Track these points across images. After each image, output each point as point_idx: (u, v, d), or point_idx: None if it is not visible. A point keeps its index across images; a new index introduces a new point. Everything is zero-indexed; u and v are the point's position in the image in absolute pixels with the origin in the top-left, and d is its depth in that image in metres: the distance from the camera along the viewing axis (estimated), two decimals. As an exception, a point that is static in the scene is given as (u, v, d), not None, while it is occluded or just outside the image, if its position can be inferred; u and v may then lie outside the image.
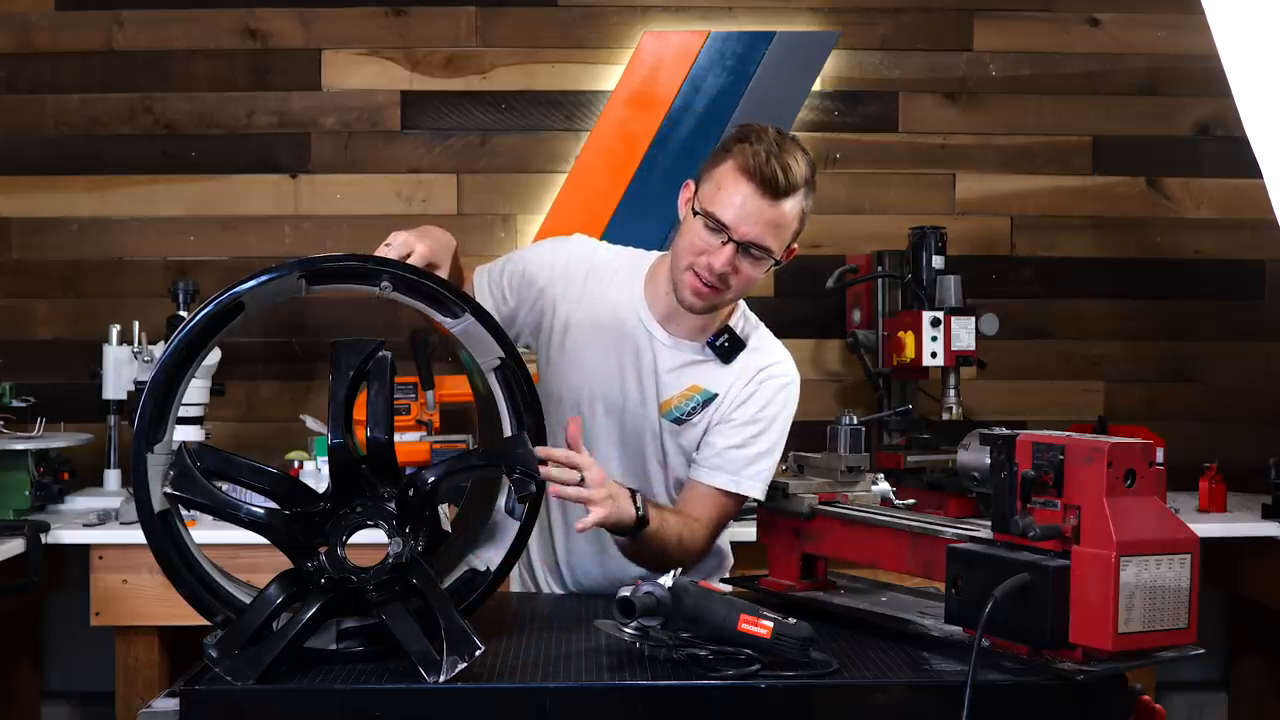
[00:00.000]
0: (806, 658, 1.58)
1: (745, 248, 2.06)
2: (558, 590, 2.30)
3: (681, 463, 2.22)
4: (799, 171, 2.05)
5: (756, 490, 2.15)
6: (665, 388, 2.20)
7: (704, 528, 2.16)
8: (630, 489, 2.01)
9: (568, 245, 2.31)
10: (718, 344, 2.20)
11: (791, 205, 2.06)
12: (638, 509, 1.98)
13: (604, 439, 2.21)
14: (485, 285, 2.27)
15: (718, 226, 2.05)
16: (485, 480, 1.84)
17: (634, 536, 2.02)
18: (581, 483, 1.91)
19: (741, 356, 2.21)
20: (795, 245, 2.15)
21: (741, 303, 2.27)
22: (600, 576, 2.26)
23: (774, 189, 2.03)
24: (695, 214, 2.09)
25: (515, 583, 2.34)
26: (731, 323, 2.23)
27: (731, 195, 2.04)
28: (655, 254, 2.28)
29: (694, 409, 2.20)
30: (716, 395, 2.20)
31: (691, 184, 2.15)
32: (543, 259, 2.28)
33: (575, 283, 2.24)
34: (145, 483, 1.61)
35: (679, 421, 2.20)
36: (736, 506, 2.20)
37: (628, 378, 2.21)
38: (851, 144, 3.93)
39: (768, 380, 2.21)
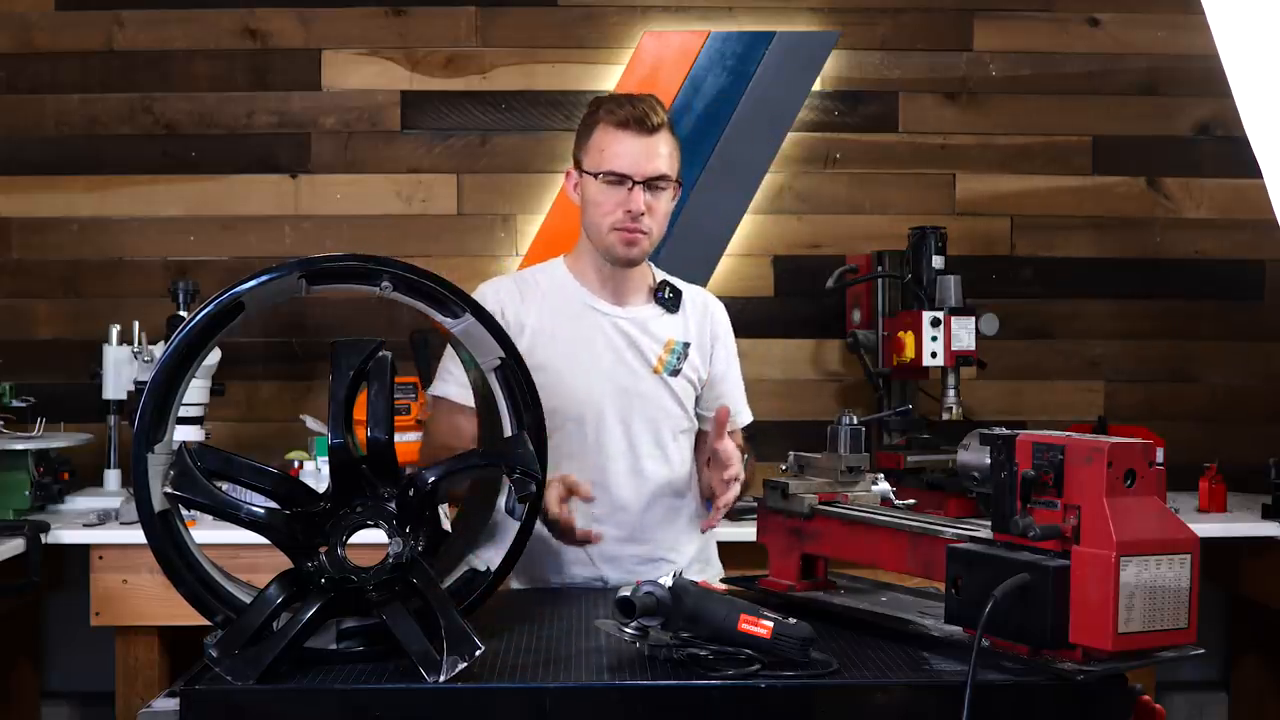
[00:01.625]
0: (806, 658, 1.58)
1: (648, 184, 2.29)
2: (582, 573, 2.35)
3: (681, 412, 2.41)
4: (660, 110, 2.32)
5: (749, 415, 2.55)
6: (648, 350, 2.38)
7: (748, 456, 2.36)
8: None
9: (485, 296, 2.37)
10: (664, 296, 2.43)
11: (664, 137, 2.31)
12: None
13: (611, 419, 2.33)
14: (455, 388, 2.35)
15: (618, 179, 2.29)
16: (485, 480, 1.84)
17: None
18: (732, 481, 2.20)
19: (685, 300, 2.45)
20: (679, 180, 2.38)
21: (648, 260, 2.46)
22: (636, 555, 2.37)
23: (645, 126, 2.29)
24: (594, 178, 2.31)
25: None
26: (660, 276, 2.46)
27: (616, 147, 2.29)
28: (559, 257, 2.47)
29: (678, 358, 2.40)
30: (689, 340, 2.42)
31: (572, 171, 2.39)
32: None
33: (518, 313, 2.37)
34: (145, 483, 1.61)
35: (675, 373, 2.40)
36: None
37: (610, 360, 2.36)
38: (851, 144, 3.93)
39: (719, 319, 2.49)
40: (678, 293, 2.44)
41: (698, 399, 2.44)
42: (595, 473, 2.30)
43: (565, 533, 2.16)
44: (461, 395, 2.28)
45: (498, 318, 2.29)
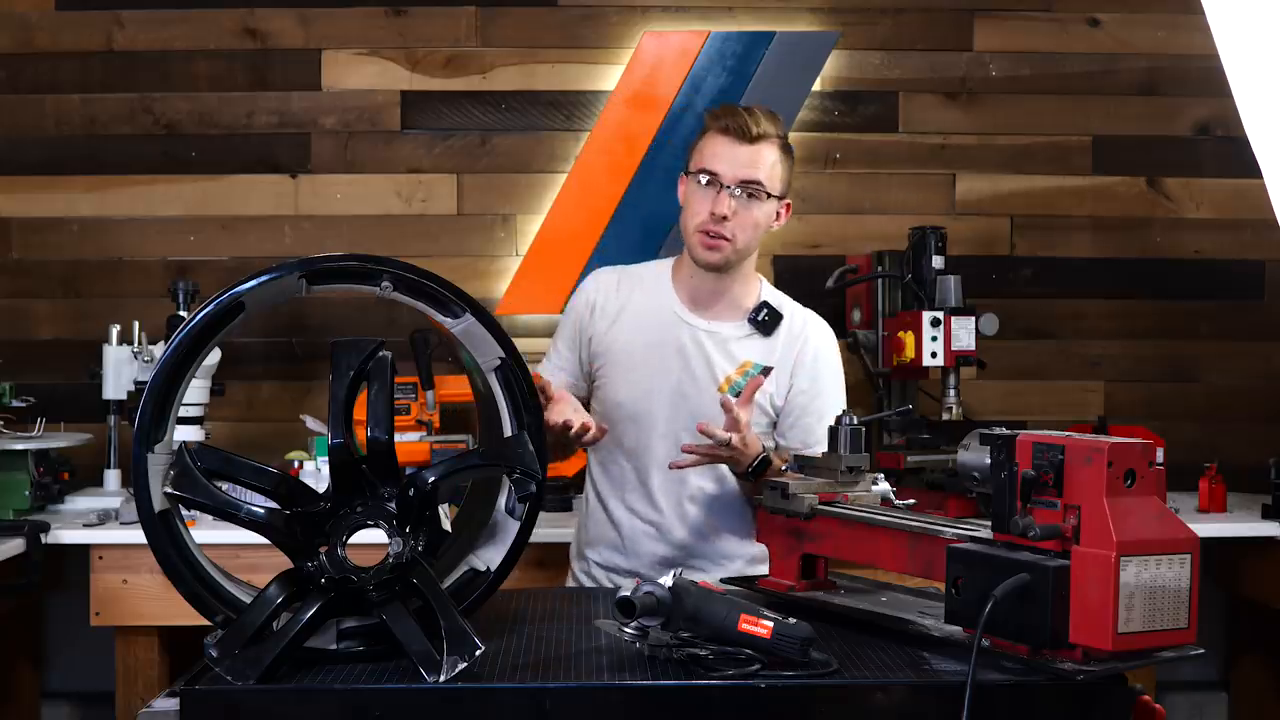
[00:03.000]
0: (806, 658, 1.58)
1: (739, 188, 2.31)
2: (603, 569, 2.43)
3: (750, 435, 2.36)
4: (765, 122, 2.34)
5: None
6: (718, 369, 2.38)
7: None
8: (766, 450, 2.26)
9: (586, 283, 2.53)
10: (758, 319, 2.42)
11: (767, 149, 2.34)
12: (757, 461, 2.24)
13: (663, 427, 2.36)
14: (551, 370, 2.47)
15: (710, 178, 2.33)
16: (485, 480, 1.84)
17: (749, 483, 2.27)
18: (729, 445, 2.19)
19: (783, 326, 2.43)
20: (789, 201, 2.42)
21: (765, 281, 2.48)
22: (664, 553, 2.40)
23: (746, 135, 2.32)
24: (690, 176, 2.36)
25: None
26: (765, 297, 2.45)
27: (713, 149, 2.34)
28: (670, 259, 2.48)
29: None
30: (771, 367, 2.38)
31: (684, 176, 2.42)
32: (575, 309, 2.52)
33: (608, 303, 2.45)
34: (145, 483, 1.62)
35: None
36: None
37: (678, 367, 2.38)
38: (851, 144, 3.93)
39: (816, 350, 2.43)
40: (776, 316, 2.43)
41: (775, 425, 2.43)
42: (640, 473, 2.38)
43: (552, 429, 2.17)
44: (551, 376, 2.37)
45: (594, 308, 2.46)
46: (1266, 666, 3.80)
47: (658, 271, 2.49)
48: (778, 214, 2.40)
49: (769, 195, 2.34)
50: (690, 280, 2.42)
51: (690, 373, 2.37)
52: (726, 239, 2.33)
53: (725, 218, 2.31)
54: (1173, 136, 3.98)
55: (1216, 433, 3.87)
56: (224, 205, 3.84)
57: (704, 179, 2.33)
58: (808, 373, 2.42)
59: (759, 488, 2.19)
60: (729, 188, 2.31)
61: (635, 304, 2.44)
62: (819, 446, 2.32)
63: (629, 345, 2.41)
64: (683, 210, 2.39)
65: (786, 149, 2.39)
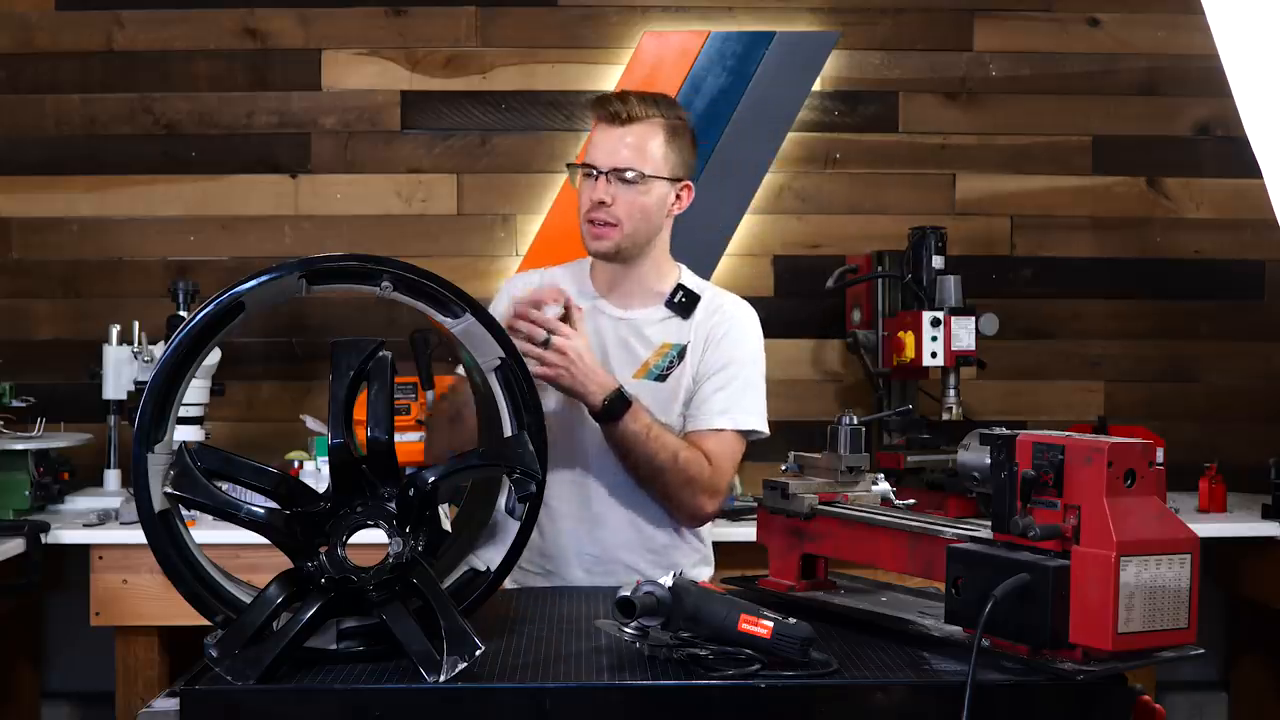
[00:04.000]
0: (806, 658, 1.58)
1: (614, 174, 2.30)
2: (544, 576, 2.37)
3: (671, 422, 2.34)
4: (639, 105, 2.32)
5: (751, 422, 2.36)
6: (636, 354, 2.36)
7: (712, 461, 2.31)
8: (620, 387, 2.23)
9: (508, 287, 2.50)
10: (676, 300, 2.39)
11: (646, 130, 2.32)
12: (608, 398, 2.20)
13: (588, 418, 2.29)
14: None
15: (589, 169, 2.32)
16: (485, 480, 1.84)
17: (610, 426, 2.23)
18: (546, 344, 2.17)
19: (700, 307, 2.40)
20: (688, 182, 2.38)
21: (684, 268, 2.45)
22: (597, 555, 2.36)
23: (618, 119, 2.31)
24: (576, 171, 2.36)
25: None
26: (683, 281, 2.42)
27: (593, 140, 2.35)
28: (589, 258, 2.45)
29: (670, 363, 2.37)
30: (686, 345, 2.37)
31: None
32: (499, 315, 2.44)
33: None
34: (145, 483, 1.61)
35: (661, 379, 2.36)
36: (740, 444, 2.38)
37: (598, 357, 2.31)
38: (851, 144, 3.93)
39: (729, 324, 2.39)
40: (693, 298, 2.40)
41: (688, 403, 2.39)
42: (571, 462, 2.34)
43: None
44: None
45: (506, 303, 2.37)
46: (1266, 666, 3.80)
47: (576, 270, 2.47)
48: (678, 196, 2.37)
49: (649, 177, 2.31)
50: (603, 273, 2.41)
51: (608, 364, 2.34)
52: (611, 224, 2.31)
53: (604, 203, 2.29)
54: (1173, 136, 3.98)
55: (1216, 433, 3.87)
56: (224, 205, 3.84)
57: (586, 170, 2.33)
58: (719, 347, 2.38)
59: (616, 437, 2.22)
60: (605, 173, 2.30)
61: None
62: (720, 417, 2.33)
63: None
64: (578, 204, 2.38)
65: (677, 130, 2.35)
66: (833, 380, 3.91)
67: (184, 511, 1.66)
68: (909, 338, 3.39)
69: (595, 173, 2.31)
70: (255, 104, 3.86)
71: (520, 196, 3.87)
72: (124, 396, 3.43)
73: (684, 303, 2.39)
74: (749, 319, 2.43)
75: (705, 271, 3.77)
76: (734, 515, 3.12)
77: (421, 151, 3.88)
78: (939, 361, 3.39)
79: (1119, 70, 3.97)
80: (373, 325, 3.67)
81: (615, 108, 2.31)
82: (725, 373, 2.36)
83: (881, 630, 1.78)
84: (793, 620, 1.60)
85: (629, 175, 2.30)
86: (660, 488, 2.29)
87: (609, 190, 2.30)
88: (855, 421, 1.99)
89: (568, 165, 2.45)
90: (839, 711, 1.55)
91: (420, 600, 1.61)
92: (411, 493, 1.64)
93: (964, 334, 3.39)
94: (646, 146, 2.32)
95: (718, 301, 2.42)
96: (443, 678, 1.54)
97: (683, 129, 2.38)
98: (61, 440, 3.32)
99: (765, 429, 2.37)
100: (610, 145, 2.32)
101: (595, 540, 2.35)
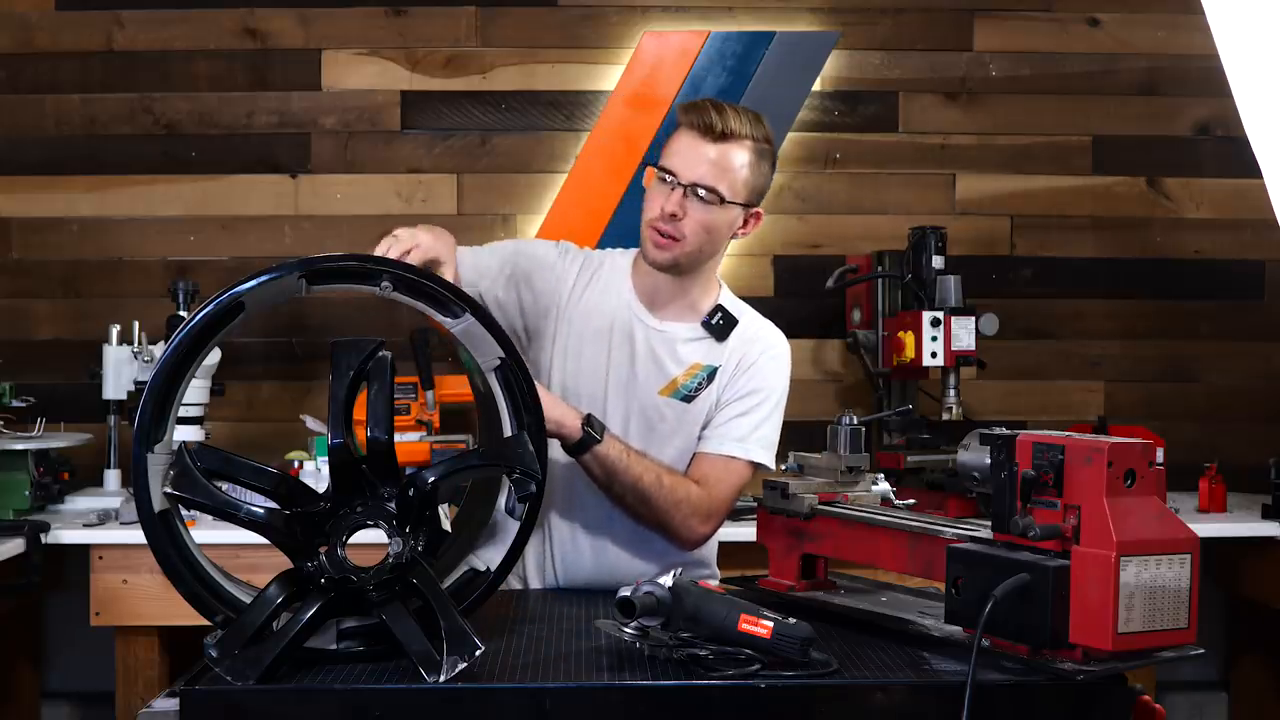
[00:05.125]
0: (806, 658, 1.58)
1: (692, 189, 2.19)
2: (540, 584, 2.33)
3: (693, 441, 2.29)
4: (738, 120, 2.20)
5: (762, 455, 2.28)
6: (666, 370, 2.29)
7: (708, 489, 2.25)
8: (589, 414, 2.15)
9: (563, 243, 2.42)
10: (713, 322, 2.31)
11: (735, 150, 2.20)
12: (586, 429, 2.11)
13: (615, 421, 2.26)
14: (471, 263, 2.31)
15: (668, 176, 2.21)
16: (485, 480, 1.84)
17: (588, 456, 2.14)
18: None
19: (736, 332, 2.31)
20: (759, 209, 2.28)
21: (725, 286, 2.38)
22: (592, 570, 2.30)
23: (711, 132, 2.19)
24: (656, 170, 2.24)
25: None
26: (722, 301, 2.33)
27: (677, 146, 2.22)
28: (635, 250, 2.36)
29: (699, 384, 2.29)
30: (718, 368, 2.29)
31: (650, 168, 2.29)
32: (543, 246, 2.41)
33: (579, 276, 2.34)
34: (145, 483, 1.61)
35: (688, 399, 2.28)
36: (747, 474, 2.30)
37: (625, 364, 2.28)
38: (851, 144, 3.93)
39: (763, 353, 2.32)
40: (730, 321, 2.30)
41: (706, 425, 2.31)
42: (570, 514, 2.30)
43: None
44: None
45: (553, 259, 2.34)
46: (1266, 666, 3.80)
47: (619, 264, 2.36)
48: (745, 221, 2.27)
49: (726, 201, 2.20)
50: (647, 278, 2.30)
51: (635, 374, 2.28)
52: (676, 239, 2.20)
53: (675, 216, 2.18)
54: (1173, 136, 3.98)
55: (1216, 433, 3.87)
56: (224, 205, 3.84)
57: (663, 175, 2.21)
58: (747, 376, 2.29)
59: (597, 464, 2.14)
60: (684, 186, 2.19)
61: (595, 289, 2.34)
62: (735, 444, 2.26)
63: (578, 333, 2.30)
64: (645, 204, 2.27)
65: (764, 153, 2.24)
66: (833, 380, 3.92)
67: (184, 511, 1.67)
68: (909, 338, 3.39)
69: (673, 182, 2.20)
70: (255, 104, 3.86)
71: (520, 196, 3.87)
72: (124, 396, 3.43)
73: (721, 325, 2.30)
74: (783, 351, 2.35)
75: (705, 271, 3.80)
76: (734, 515, 3.11)
77: (421, 151, 3.88)
78: (939, 361, 3.40)
79: (1119, 70, 3.97)
80: (373, 325, 3.66)
81: (710, 120, 2.18)
82: (748, 399, 2.29)
83: (881, 630, 1.78)
84: (793, 620, 1.60)
85: (706, 195, 2.19)
86: (649, 512, 2.21)
87: (683, 203, 2.19)
88: (855, 421, 2.00)
89: (648, 164, 2.28)
90: (839, 711, 1.55)
91: (420, 600, 1.61)
92: (411, 493, 1.64)
93: (964, 334, 3.39)
94: (731, 167, 2.20)
95: (755, 328, 2.34)
96: (443, 678, 1.54)
97: (768, 153, 2.26)
98: (61, 440, 3.32)
99: (772, 464, 2.29)
100: (694, 157, 2.19)
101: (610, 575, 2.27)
